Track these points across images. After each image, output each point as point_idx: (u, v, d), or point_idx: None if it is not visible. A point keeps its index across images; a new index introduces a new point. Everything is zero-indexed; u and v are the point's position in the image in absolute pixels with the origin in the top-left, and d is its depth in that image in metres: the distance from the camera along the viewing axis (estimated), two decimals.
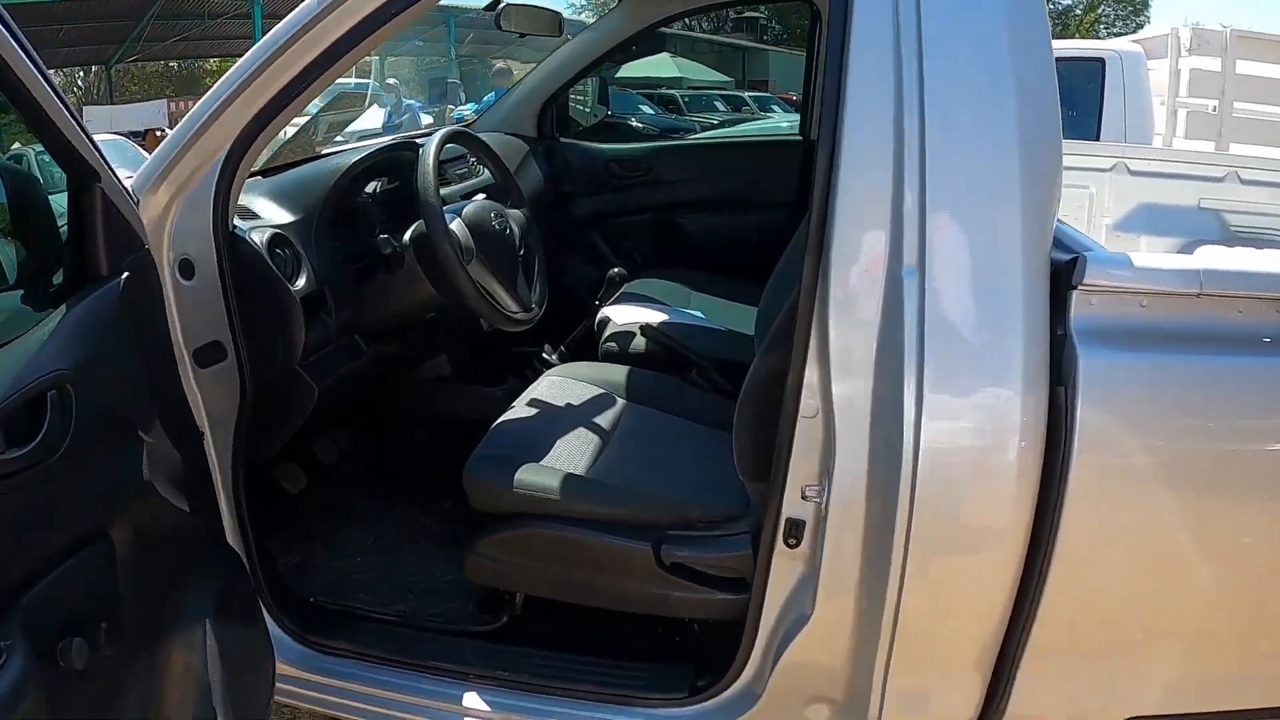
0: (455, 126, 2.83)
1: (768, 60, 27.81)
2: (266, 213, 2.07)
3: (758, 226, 3.30)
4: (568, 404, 2.21)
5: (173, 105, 17.55)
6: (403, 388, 2.68)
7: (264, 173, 2.27)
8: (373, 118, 10.49)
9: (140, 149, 9.84)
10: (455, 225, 2.14)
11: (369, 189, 2.27)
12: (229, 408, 1.78)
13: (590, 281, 3.29)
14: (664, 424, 2.22)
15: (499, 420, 2.12)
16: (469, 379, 2.79)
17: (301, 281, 1.99)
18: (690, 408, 2.27)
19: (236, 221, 1.82)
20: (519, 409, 2.18)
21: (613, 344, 2.63)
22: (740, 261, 3.19)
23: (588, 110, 3.82)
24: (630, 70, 20.31)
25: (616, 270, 3.06)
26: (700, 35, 26.86)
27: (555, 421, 2.12)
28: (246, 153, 1.71)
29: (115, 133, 12.01)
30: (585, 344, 2.89)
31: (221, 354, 1.74)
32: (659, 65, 21.02)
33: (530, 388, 2.27)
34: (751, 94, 20.75)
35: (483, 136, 2.74)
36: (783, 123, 9.20)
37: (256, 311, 1.80)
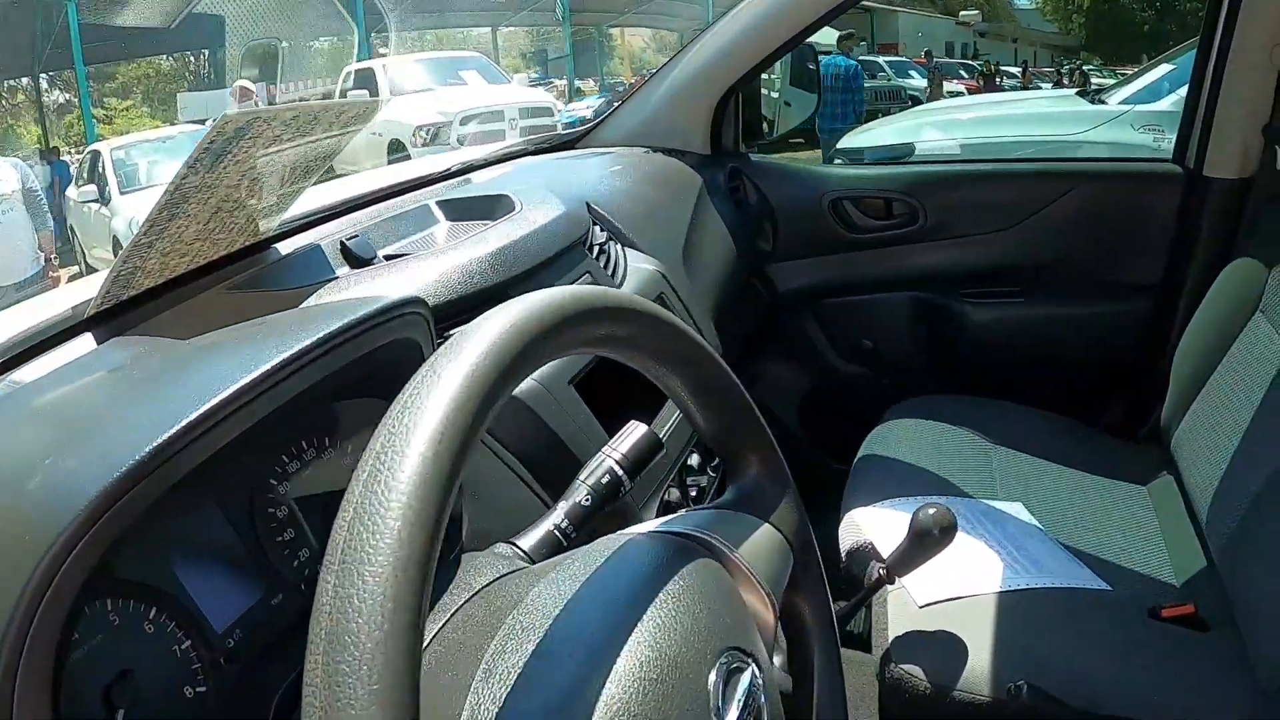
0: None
1: (896, 22, 26.46)
2: None
3: (1107, 329, 2.14)
4: None
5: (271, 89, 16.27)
6: None
7: None
8: None
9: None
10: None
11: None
12: None
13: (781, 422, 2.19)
14: None
15: None
16: None
17: None
18: None
19: None
20: None
21: (915, 684, 1.29)
22: (1072, 387, 2.16)
23: (777, 96, 2.29)
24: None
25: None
26: None
27: None
28: None
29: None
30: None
31: None
32: None
33: None
34: (886, 59, 19.23)
35: (618, 158, 1.75)
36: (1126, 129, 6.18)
37: None
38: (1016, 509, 1.64)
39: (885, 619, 1.35)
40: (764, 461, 0.79)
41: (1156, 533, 1.63)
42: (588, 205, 1.40)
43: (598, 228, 1.37)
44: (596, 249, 1.30)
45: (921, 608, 1.34)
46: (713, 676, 0.59)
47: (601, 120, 2.03)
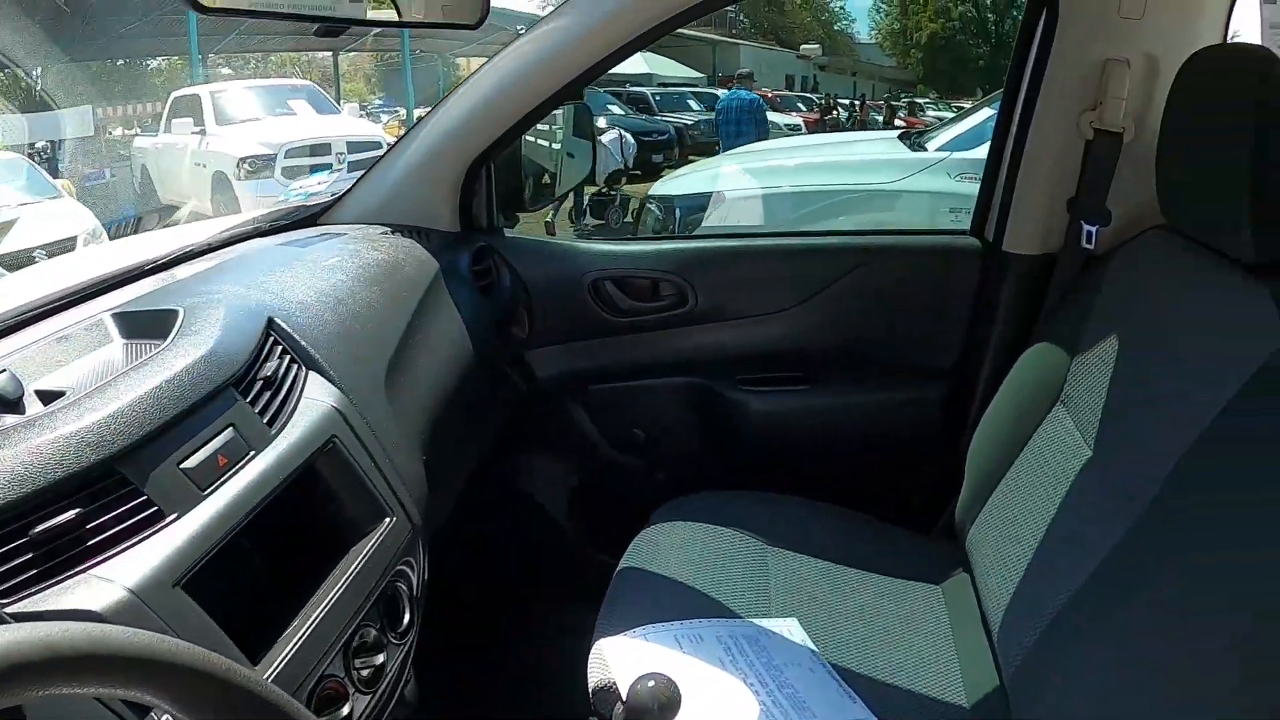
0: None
1: (739, 55, 27.05)
2: None
3: (899, 418, 2.01)
4: None
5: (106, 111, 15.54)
6: None
7: None
8: None
9: (42, 171, 8.84)
10: None
11: None
12: None
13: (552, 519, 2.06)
14: None
15: None
16: None
17: None
18: None
19: None
20: None
21: None
22: (861, 480, 1.98)
23: (555, 147, 2.08)
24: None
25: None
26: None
27: None
28: None
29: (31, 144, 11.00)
30: None
31: None
32: (627, 61, 19.73)
33: None
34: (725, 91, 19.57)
35: (345, 243, 1.56)
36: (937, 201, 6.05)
37: None
38: (790, 627, 1.52)
39: None
40: None
41: (948, 641, 1.52)
42: (270, 322, 1.18)
43: (279, 348, 1.16)
44: (260, 384, 1.08)
45: None
46: None
47: (343, 195, 1.81)
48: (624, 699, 1.11)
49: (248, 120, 11.95)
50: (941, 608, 1.60)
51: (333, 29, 1.52)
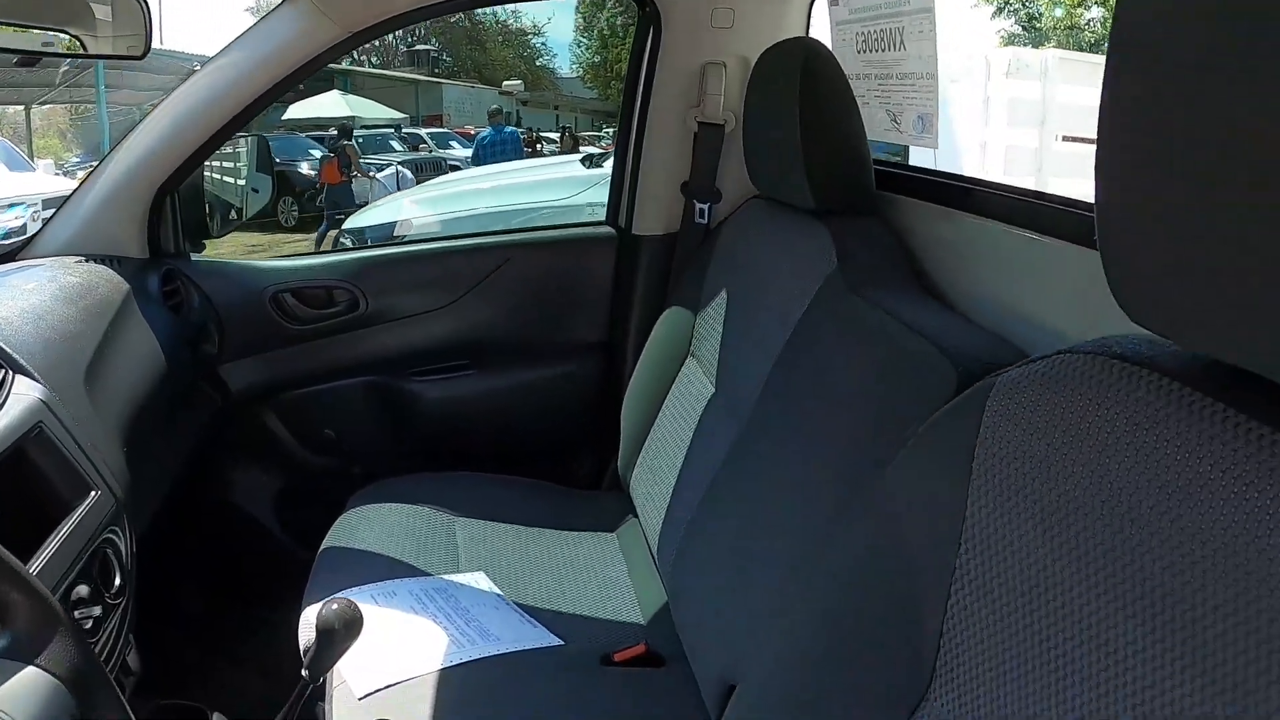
0: None
1: (441, 93, 27.02)
2: None
3: (561, 389, 2.23)
4: None
5: None
6: None
7: None
8: None
9: None
10: None
11: None
12: None
13: (259, 523, 2.18)
14: None
15: None
16: None
17: None
18: None
19: None
20: None
21: None
22: (535, 449, 2.26)
23: (238, 184, 2.20)
24: (296, 111, 18.62)
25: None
26: (370, 70, 25.51)
27: None
28: None
29: None
30: None
31: None
32: (328, 104, 19.40)
33: None
34: (428, 130, 19.58)
35: (41, 271, 1.64)
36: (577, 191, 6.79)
37: None
38: (476, 578, 1.68)
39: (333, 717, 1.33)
40: (28, 605, 0.79)
41: (625, 577, 1.73)
42: None
43: None
44: None
45: (361, 699, 1.34)
46: None
47: (38, 231, 1.89)
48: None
49: None
50: (616, 551, 1.81)
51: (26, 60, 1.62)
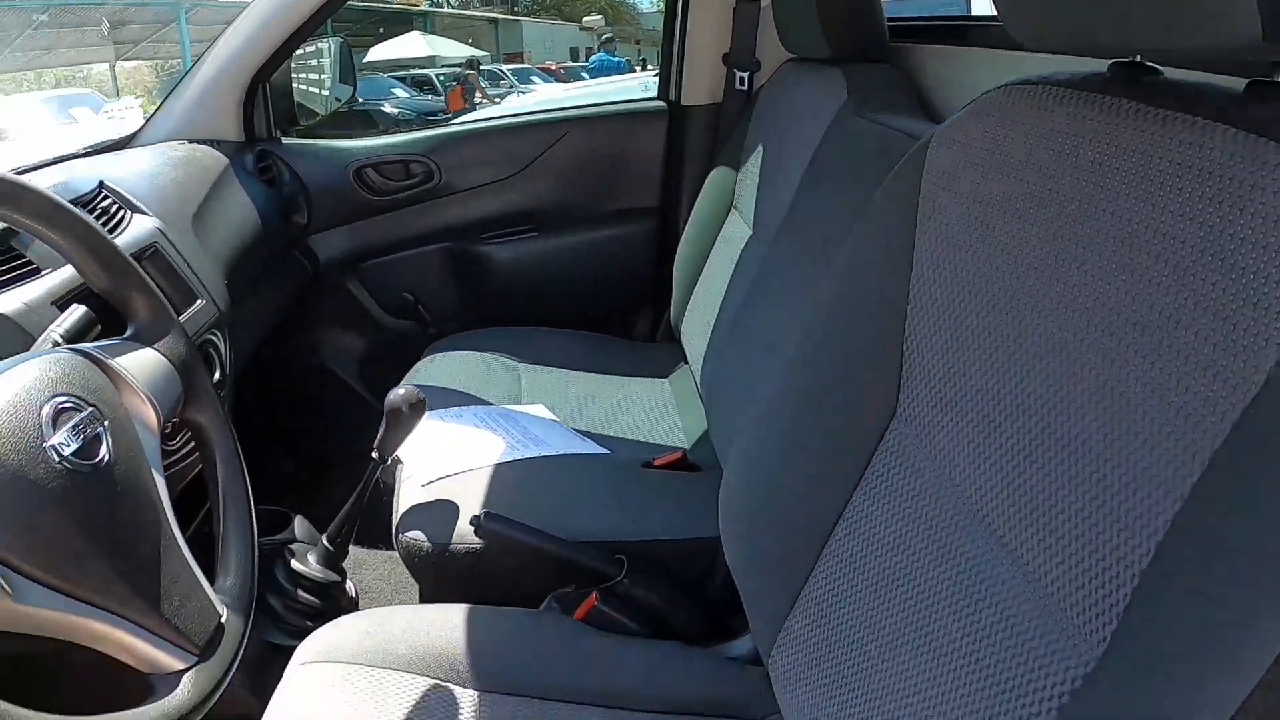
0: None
1: (520, 30, 26.97)
2: None
3: (618, 251, 2.39)
4: None
5: None
6: None
7: None
8: None
9: None
10: None
11: None
12: None
13: (346, 383, 2.36)
14: None
15: None
16: None
17: None
18: None
19: None
20: None
21: (420, 546, 1.43)
22: (596, 306, 2.42)
23: (324, 93, 2.41)
24: (378, 53, 18.91)
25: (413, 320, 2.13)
26: (450, 10, 25.60)
27: None
28: None
29: None
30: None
31: None
32: (409, 44, 19.62)
33: None
34: (510, 66, 19.65)
35: (151, 150, 1.81)
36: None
37: None
38: (538, 409, 1.82)
39: (400, 502, 1.53)
40: (148, 305, 1.02)
41: (673, 412, 1.86)
42: (101, 184, 1.53)
43: (109, 199, 1.51)
44: (99, 210, 1.47)
45: (424, 485, 1.51)
46: (45, 410, 0.80)
47: (144, 124, 2.08)
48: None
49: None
50: (669, 393, 1.95)
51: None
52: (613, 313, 2.44)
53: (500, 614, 1.23)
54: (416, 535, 1.40)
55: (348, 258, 2.31)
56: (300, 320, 2.29)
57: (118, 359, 0.94)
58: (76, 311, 1.10)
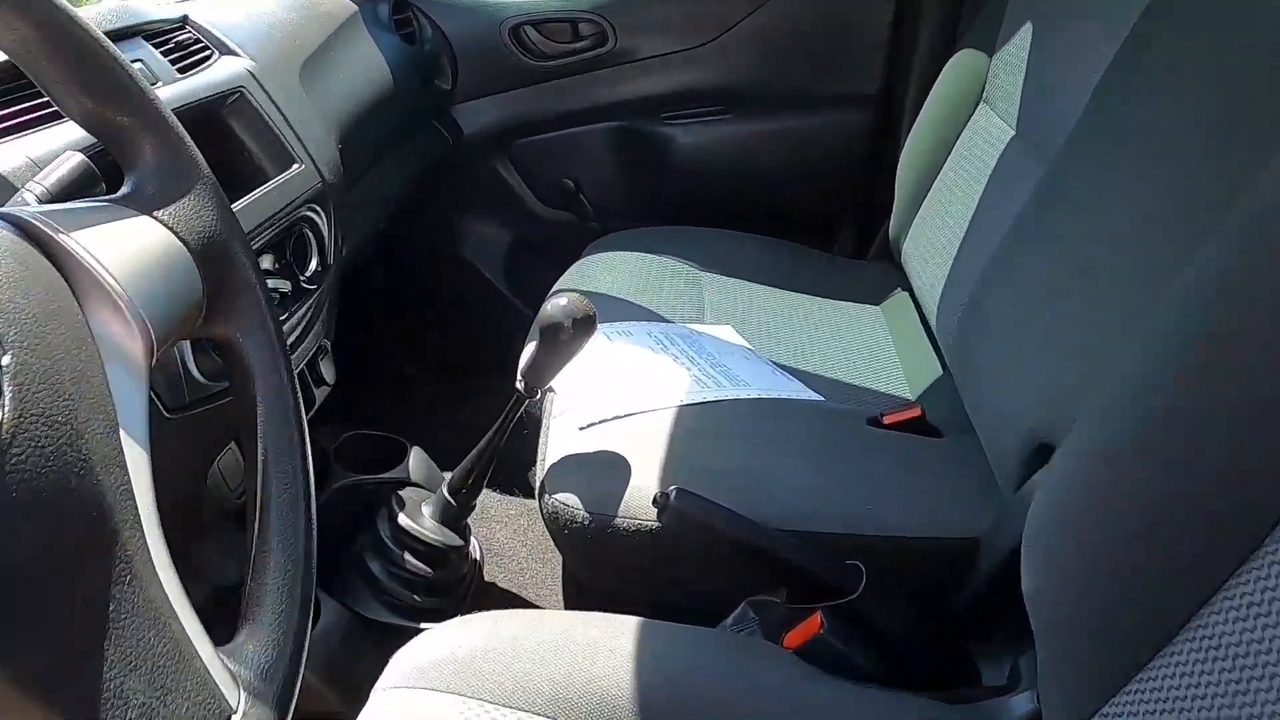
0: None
1: None
2: None
3: (827, 145, 1.98)
4: None
5: None
6: None
7: None
8: None
9: None
10: None
11: None
12: None
13: (488, 280, 2.09)
14: None
15: None
16: None
17: None
18: None
19: None
20: None
21: (572, 513, 1.11)
22: (794, 210, 2.04)
23: None
24: None
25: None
26: None
27: None
28: None
29: None
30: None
31: None
32: None
33: None
34: None
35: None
36: None
37: None
38: (725, 331, 1.50)
39: (548, 448, 1.18)
40: (156, 147, 0.61)
41: (890, 349, 1.52)
42: (185, 18, 1.24)
43: (188, 36, 1.22)
44: (174, 46, 1.16)
45: (581, 430, 1.17)
46: None
47: None
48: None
49: None
50: (881, 324, 1.60)
51: None
52: (814, 220, 2.05)
53: (691, 638, 0.88)
54: (568, 499, 1.09)
55: (498, 133, 1.99)
56: (436, 203, 2.01)
57: (82, 233, 0.53)
58: (70, 161, 0.69)
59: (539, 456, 1.19)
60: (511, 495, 1.73)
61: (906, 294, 1.64)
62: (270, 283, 1.07)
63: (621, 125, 1.98)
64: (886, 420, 1.26)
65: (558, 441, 1.17)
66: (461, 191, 2.05)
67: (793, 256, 1.80)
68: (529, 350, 1.13)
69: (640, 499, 1.05)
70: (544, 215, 2.08)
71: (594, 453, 1.13)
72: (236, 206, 1.01)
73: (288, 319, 1.11)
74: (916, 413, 1.27)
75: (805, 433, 1.21)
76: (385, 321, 2.01)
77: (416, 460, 1.42)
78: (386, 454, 1.42)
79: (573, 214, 2.06)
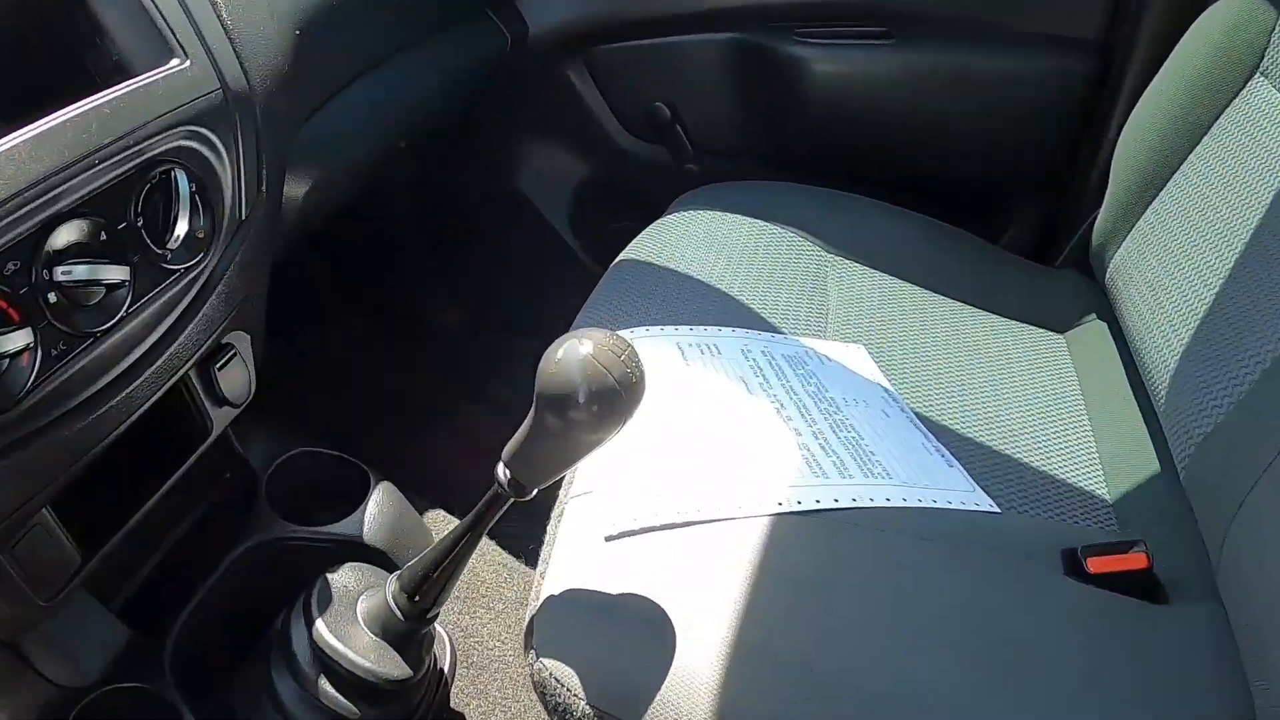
0: None
1: None
2: None
3: (1021, 98, 1.54)
4: None
5: None
6: None
7: None
8: None
9: None
10: None
11: None
12: None
13: (548, 224, 1.78)
14: None
15: None
16: None
17: None
18: None
19: None
20: None
21: (567, 698, 0.73)
22: (962, 180, 1.64)
23: None
24: None
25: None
26: None
27: None
28: None
29: None
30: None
31: None
32: None
33: None
34: None
35: None
36: None
37: None
38: (854, 355, 1.13)
39: (551, 563, 0.81)
40: None
41: (1080, 411, 1.15)
42: None
43: None
44: None
45: (609, 540, 0.79)
46: None
47: None
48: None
49: None
50: (1068, 363, 1.24)
51: None
52: (987, 197, 1.66)
53: None
54: (563, 675, 0.74)
55: (573, 33, 1.66)
56: (485, 120, 1.73)
57: None
58: None
59: (537, 571, 0.80)
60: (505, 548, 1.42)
61: (1104, 326, 1.29)
62: (85, 270, 0.70)
63: (740, 38, 1.62)
64: (1091, 566, 0.84)
65: (567, 555, 0.79)
66: (521, 107, 1.73)
67: (956, 246, 1.43)
68: (522, 428, 0.71)
69: (685, 702, 0.67)
70: (627, 148, 1.74)
71: (619, 594, 0.75)
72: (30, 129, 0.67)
73: (124, 318, 0.77)
74: (1142, 562, 0.84)
75: (981, 592, 0.81)
76: (406, 268, 1.74)
77: (381, 503, 1.03)
78: (340, 485, 1.04)
79: (666, 148, 1.73)
